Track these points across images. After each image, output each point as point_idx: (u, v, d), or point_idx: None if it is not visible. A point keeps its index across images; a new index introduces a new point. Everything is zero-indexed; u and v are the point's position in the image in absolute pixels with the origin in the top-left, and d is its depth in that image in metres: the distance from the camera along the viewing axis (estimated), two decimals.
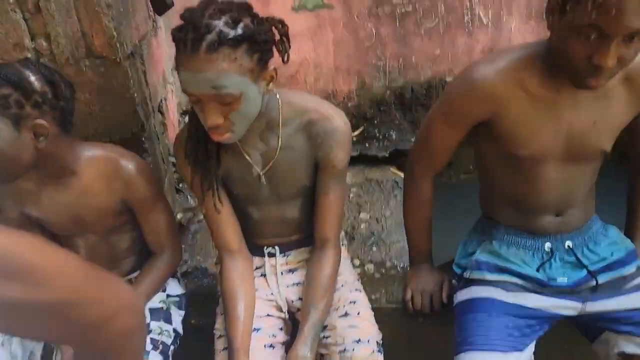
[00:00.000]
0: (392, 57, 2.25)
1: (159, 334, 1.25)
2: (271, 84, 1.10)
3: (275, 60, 1.08)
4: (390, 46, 2.23)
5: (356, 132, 2.27)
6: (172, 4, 1.85)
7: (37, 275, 0.50)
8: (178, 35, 0.97)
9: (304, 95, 1.28)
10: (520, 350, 1.17)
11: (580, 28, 0.92)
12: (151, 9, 1.77)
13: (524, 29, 2.22)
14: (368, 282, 1.56)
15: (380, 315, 1.38)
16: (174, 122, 2.06)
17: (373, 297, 1.48)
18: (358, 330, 1.22)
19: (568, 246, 1.28)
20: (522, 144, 1.17)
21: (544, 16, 1.04)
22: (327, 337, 1.24)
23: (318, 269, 1.28)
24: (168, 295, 1.35)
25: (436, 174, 1.34)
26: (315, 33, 2.20)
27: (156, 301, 1.32)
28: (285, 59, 1.11)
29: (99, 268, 0.58)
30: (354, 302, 1.29)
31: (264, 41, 1.02)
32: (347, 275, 1.37)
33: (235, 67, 0.97)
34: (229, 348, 1.19)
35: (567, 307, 1.24)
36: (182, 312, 1.37)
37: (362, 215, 1.99)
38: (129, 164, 1.22)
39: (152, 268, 1.32)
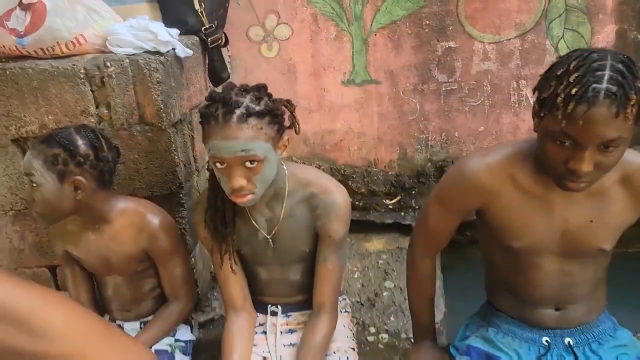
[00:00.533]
0: (435, 131, 2.31)
1: None
2: (284, 152, 1.25)
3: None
4: (433, 121, 2.30)
5: (393, 201, 2.33)
6: (228, 77, 2.10)
7: (43, 328, 0.53)
8: (208, 111, 1.14)
9: (308, 169, 1.40)
10: None
11: (555, 134, 0.95)
12: (209, 81, 2.02)
13: None
14: (377, 351, 1.59)
15: None
16: None
17: None
18: None
19: (568, 343, 1.24)
20: (515, 236, 1.18)
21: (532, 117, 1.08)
22: None
23: (311, 332, 1.34)
24: (176, 340, 1.48)
25: (435, 254, 1.38)
26: (361, 105, 2.34)
27: (164, 343, 1.44)
28: (297, 130, 1.28)
29: (114, 328, 0.65)
30: None
31: (280, 115, 1.20)
32: (341, 342, 1.41)
33: (261, 135, 1.13)
34: None
35: None
36: (187, 358, 1.48)
37: (387, 284, 2.02)
38: (154, 218, 1.40)
39: (164, 313, 1.46)
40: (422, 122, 2.31)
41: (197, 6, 1.92)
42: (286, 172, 1.32)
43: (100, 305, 1.55)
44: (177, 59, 1.68)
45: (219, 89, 1.23)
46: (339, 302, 1.53)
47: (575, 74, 0.92)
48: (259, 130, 1.13)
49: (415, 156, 2.35)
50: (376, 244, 2.21)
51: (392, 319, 1.84)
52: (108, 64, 1.54)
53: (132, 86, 1.56)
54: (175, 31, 1.78)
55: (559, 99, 0.91)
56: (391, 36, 2.26)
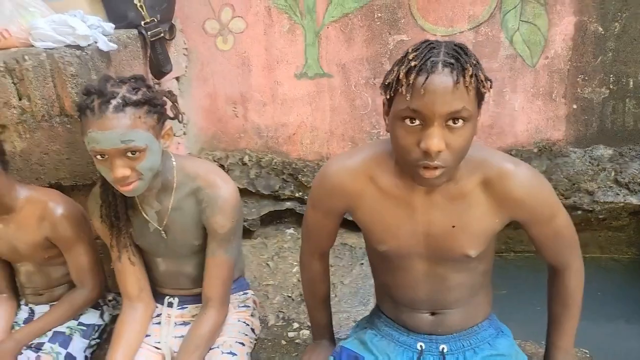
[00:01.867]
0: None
1: (46, 353, 1.41)
2: (167, 141, 1.27)
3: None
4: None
5: None
6: (171, 70, 2.12)
7: None
8: (84, 104, 1.16)
9: (198, 163, 1.41)
10: None
11: (403, 114, 0.92)
12: (151, 74, 2.05)
13: (529, 108, 2.10)
14: (292, 346, 1.58)
15: None
16: None
17: None
18: None
19: (442, 350, 1.20)
20: (379, 239, 1.15)
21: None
22: None
23: (196, 325, 1.36)
24: (79, 323, 1.52)
25: (322, 255, 1.35)
26: (314, 99, 2.32)
27: (64, 326, 1.49)
28: (180, 119, 1.35)
29: None
30: None
31: (160, 105, 1.22)
32: (229, 336, 1.41)
33: (140, 124, 1.15)
34: None
35: None
36: (86, 341, 1.51)
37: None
38: (56, 207, 1.44)
39: (67, 299, 1.50)
40: (374, 116, 2.27)
41: (136, 0, 1.96)
42: (174, 164, 1.33)
43: (16, 290, 1.61)
44: (101, 52, 1.72)
45: (96, 81, 1.24)
46: (239, 297, 1.54)
47: (414, 54, 0.93)
48: (138, 119, 1.15)
49: None
50: None
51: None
52: (26, 57, 1.58)
53: (50, 79, 1.60)
54: (109, 25, 1.82)
55: (401, 74, 0.91)
56: (343, 29, 2.22)
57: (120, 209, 1.35)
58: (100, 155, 1.16)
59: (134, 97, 1.16)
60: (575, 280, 1.20)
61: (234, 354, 1.38)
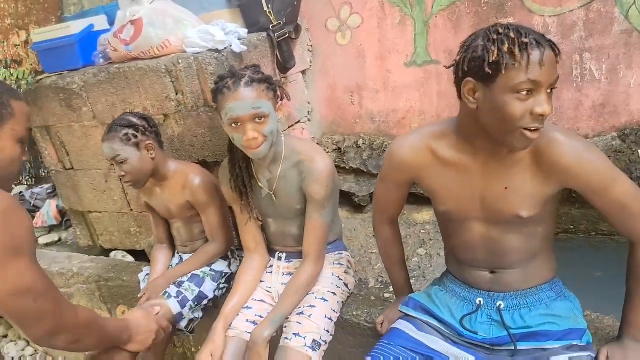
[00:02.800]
0: None
1: (185, 290, 1.84)
2: (281, 114, 1.60)
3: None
4: None
5: None
6: (294, 65, 2.46)
7: None
8: (221, 84, 1.53)
9: (303, 141, 1.70)
10: None
11: (519, 86, 1.04)
12: (277, 70, 2.41)
13: None
14: (381, 303, 1.80)
15: (353, 328, 1.68)
16: None
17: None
18: (301, 326, 1.55)
19: (499, 306, 1.32)
20: (441, 201, 1.33)
21: (461, 100, 1.16)
22: (284, 327, 1.61)
23: (297, 275, 1.66)
24: (211, 269, 1.93)
25: (391, 222, 1.55)
26: (422, 85, 2.46)
27: (199, 270, 1.91)
28: (289, 97, 1.65)
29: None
30: (313, 307, 1.61)
31: (275, 84, 1.58)
32: (323, 286, 1.69)
33: (264, 95, 1.51)
34: (219, 315, 1.69)
35: (465, 357, 1.30)
36: (215, 284, 1.91)
37: (420, 251, 2.17)
38: (195, 177, 1.85)
39: (203, 251, 1.93)
40: None
41: (265, 7, 2.33)
42: (283, 139, 1.65)
43: (173, 241, 2.09)
44: (235, 53, 2.11)
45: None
46: (335, 256, 1.81)
47: (511, 33, 1.04)
48: (262, 92, 1.50)
49: None
50: (424, 215, 2.35)
51: (412, 281, 2.00)
52: (180, 61, 2.04)
53: (196, 77, 2.04)
54: (244, 30, 2.22)
55: (516, 51, 1.02)
56: (451, 17, 2.33)
57: (246, 179, 1.70)
58: (235, 123, 1.49)
59: (257, 76, 1.51)
60: None
61: (325, 300, 1.66)
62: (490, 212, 1.26)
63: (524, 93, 1.04)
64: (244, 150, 1.56)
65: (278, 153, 1.64)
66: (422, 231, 2.27)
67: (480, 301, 1.36)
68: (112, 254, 2.74)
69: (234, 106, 1.47)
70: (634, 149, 1.97)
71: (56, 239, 3.22)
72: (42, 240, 3.18)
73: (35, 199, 3.58)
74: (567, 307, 1.31)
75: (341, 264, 1.80)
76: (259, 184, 1.71)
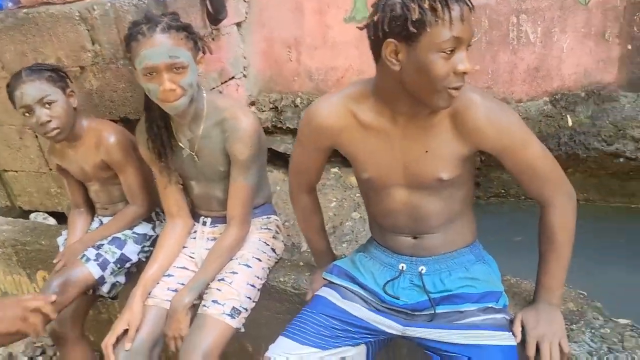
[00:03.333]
0: None
1: (105, 252, 1.73)
2: (201, 67, 1.47)
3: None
4: None
5: None
6: (226, 16, 2.31)
7: None
8: (134, 30, 1.37)
9: (225, 98, 1.60)
10: (322, 348, 1.29)
11: (444, 45, 0.99)
12: (206, 20, 2.25)
13: (579, 50, 1.98)
14: (308, 268, 1.76)
15: (280, 295, 1.64)
16: None
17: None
18: (220, 293, 1.50)
19: (421, 270, 1.32)
20: (363, 168, 1.28)
21: (377, 63, 1.11)
22: (204, 294, 1.56)
23: (220, 239, 1.59)
24: (133, 232, 1.83)
25: (310, 189, 1.49)
26: (361, 42, 2.37)
27: (121, 233, 1.80)
28: (207, 52, 1.49)
29: None
30: (235, 273, 1.56)
31: (195, 34, 1.44)
32: (247, 251, 1.62)
33: (182, 44, 1.38)
34: (138, 282, 1.61)
35: (389, 326, 1.30)
36: (138, 246, 1.81)
37: (354, 214, 2.15)
38: (109, 135, 1.71)
39: (122, 213, 1.81)
40: None
41: None
42: (205, 96, 1.54)
43: (92, 205, 1.96)
44: (158, 1, 1.94)
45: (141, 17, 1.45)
46: (262, 220, 1.75)
47: None
48: (180, 40, 1.37)
49: None
50: None
51: (344, 245, 1.99)
52: (95, 7, 1.86)
53: (114, 26, 1.87)
54: None
55: (438, 7, 0.97)
56: None
57: (165, 138, 1.58)
58: (150, 72, 1.36)
59: (175, 23, 1.38)
60: (559, 217, 1.21)
61: (249, 266, 1.60)
62: (412, 177, 1.23)
63: (448, 51, 0.99)
64: (160, 104, 1.44)
65: (199, 110, 1.53)
66: (357, 194, 2.25)
67: (403, 266, 1.34)
68: (32, 215, 2.57)
69: (148, 53, 1.34)
70: (563, 114, 1.99)
71: None
72: None
73: None
74: (485, 270, 1.32)
75: (269, 229, 1.74)
76: (180, 144, 1.60)
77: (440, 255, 1.31)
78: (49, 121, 1.57)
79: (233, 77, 2.53)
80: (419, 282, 1.31)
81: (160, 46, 1.33)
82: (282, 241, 1.80)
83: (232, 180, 1.56)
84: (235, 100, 1.62)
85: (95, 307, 2.24)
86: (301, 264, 1.80)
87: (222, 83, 2.43)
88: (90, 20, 1.88)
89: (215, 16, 2.25)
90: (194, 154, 1.58)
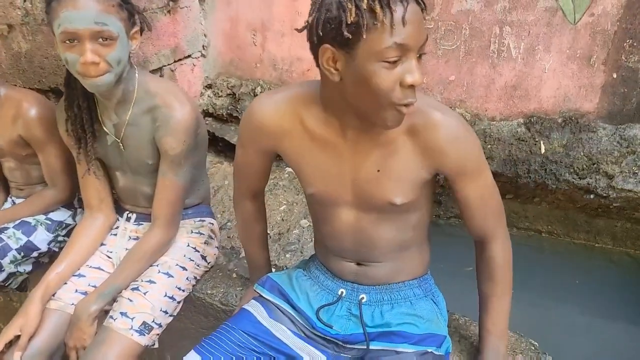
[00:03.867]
0: None
1: (8, 237, 1.52)
2: (135, 43, 1.27)
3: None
4: None
5: None
6: None
7: None
8: None
9: (161, 82, 1.39)
10: None
11: (385, 52, 0.83)
12: None
13: (561, 72, 1.84)
14: (241, 282, 1.58)
15: (206, 309, 1.46)
16: None
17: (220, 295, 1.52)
18: (132, 304, 1.30)
19: (361, 299, 1.16)
20: (308, 182, 1.11)
21: (321, 72, 0.93)
22: (115, 302, 1.36)
23: (141, 241, 1.40)
24: (47, 218, 1.61)
25: (253, 196, 1.31)
26: None
27: (32, 218, 1.59)
28: (150, 28, 1.33)
29: None
30: (152, 282, 1.36)
31: (131, 4, 1.23)
32: (171, 257, 1.43)
33: (114, 11, 1.16)
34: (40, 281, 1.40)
35: (313, 356, 1.14)
36: (51, 235, 1.60)
37: (303, 222, 1.97)
38: (30, 107, 1.48)
39: (38, 195, 1.60)
40: None
41: None
42: (137, 77, 1.32)
43: (6, 185, 1.73)
44: None
45: None
46: (195, 223, 1.55)
47: None
48: (111, 7, 1.15)
49: None
50: None
51: (287, 255, 1.82)
52: None
53: None
54: None
55: (377, 7, 0.80)
56: None
57: (86, 121, 1.37)
58: (71, 39, 1.14)
59: None
60: (502, 252, 1.13)
61: (170, 276, 1.41)
62: (361, 198, 1.07)
63: (391, 60, 0.83)
64: (79, 78, 1.21)
65: (129, 92, 1.31)
66: None
67: (342, 292, 1.19)
68: None
69: (70, 16, 1.11)
70: (537, 139, 1.85)
71: None
72: None
73: None
74: (431, 309, 1.18)
75: (201, 233, 1.54)
76: (104, 128, 1.39)
77: (385, 285, 1.17)
78: None
79: (189, 56, 2.30)
80: (356, 312, 1.16)
81: (85, 9, 1.11)
82: (217, 247, 1.62)
83: (160, 175, 1.36)
84: (172, 85, 1.40)
85: (5, 295, 2.02)
86: (234, 275, 1.62)
87: (175, 61, 2.20)
88: None
89: None
90: (119, 141, 1.38)
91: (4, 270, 1.52)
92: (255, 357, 1.13)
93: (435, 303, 1.21)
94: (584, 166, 1.76)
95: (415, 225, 1.13)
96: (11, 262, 1.53)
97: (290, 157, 1.11)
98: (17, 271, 1.56)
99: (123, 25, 1.19)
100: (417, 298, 1.18)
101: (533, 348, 1.30)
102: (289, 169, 2.32)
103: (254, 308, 1.22)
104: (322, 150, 1.05)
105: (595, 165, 1.75)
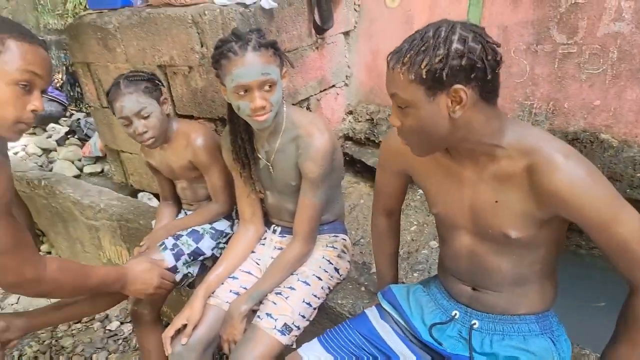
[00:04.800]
0: (542, 99, 2.05)
1: (182, 243, 1.83)
2: (285, 81, 1.50)
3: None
4: (542, 86, 2.04)
5: None
6: (332, 26, 2.30)
7: None
8: (225, 47, 1.42)
9: (305, 114, 1.59)
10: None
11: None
12: (312, 28, 2.26)
13: None
14: (369, 295, 1.71)
15: (336, 317, 1.62)
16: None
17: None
18: (275, 307, 1.51)
19: (473, 324, 1.21)
20: (432, 202, 1.22)
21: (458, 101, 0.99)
22: (262, 304, 1.58)
23: (283, 253, 1.61)
24: (211, 227, 1.91)
25: (390, 214, 1.44)
26: None
27: (199, 227, 1.89)
28: (292, 65, 1.55)
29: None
30: (292, 289, 1.56)
31: (280, 49, 1.47)
32: (309, 268, 1.62)
33: (272, 61, 1.42)
34: (202, 281, 1.68)
35: (409, 357, 1.22)
36: (214, 242, 1.89)
37: (432, 243, 2.03)
38: (197, 137, 1.80)
39: (204, 208, 1.90)
40: (530, 86, 2.08)
41: None
42: (285, 110, 1.55)
43: (179, 200, 2.08)
44: (264, 10, 1.99)
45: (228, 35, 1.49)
46: (329, 238, 1.72)
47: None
48: (270, 57, 1.41)
49: None
50: None
51: (415, 274, 1.90)
52: (206, 12, 1.96)
53: (221, 31, 1.96)
54: None
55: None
56: None
57: (249, 151, 1.63)
58: (243, 90, 1.40)
59: (264, 41, 1.41)
60: None
61: (307, 284, 1.59)
62: (478, 225, 1.13)
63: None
64: (248, 120, 1.47)
65: (278, 124, 1.54)
66: None
67: (456, 314, 1.25)
68: (140, 195, 2.82)
69: (241, 72, 1.37)
70: None
71: (99, 170, 3.36)
72: (87, 169, 3.34)
73: (88, 128, 3.73)
74: (546, 346, 1.16)
75: (334, 247, 1.71)
76: (258, 154, 1.63)
77: (499, 315, 1.20)
78: (146, 132, 1.70)
79: (334, 86, 2.53)
80: (466, 335, 1.22)
81: (253, 65, 1.37)
82: (349, 261, 1.77)
83: (301, 195, 1.57)
84: (314, 117, 1.60)
85: (178, 291, 2.40)
86: (362, 289, 1.75)
87: (321, 91, 2.44)
88: (200, 24, 1.99)
89: (322, 25, 2.26)
90: (270, 165, 1.61)
91: (179, 272, 1.85)
92: (362, 354, 1.27)
93: (553, 342, 1.18)
94: None
95: (534, 261, 1.13)
96: (184, 264, 1.85)
97: (419, 178, 1.24)
98: (189, 272, 1.88)
99: (279, 70, 1.43)
100: (532, 334, 1.17)
101: None
102: (421, 191, 2.40)
103: (372, 313, 1.35)
104: (445, 175, 1.15)
105: None
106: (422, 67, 0.93)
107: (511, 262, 1.14)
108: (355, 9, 2.51)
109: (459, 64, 0.92)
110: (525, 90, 2.11)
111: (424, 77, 0.93)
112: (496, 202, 1.08)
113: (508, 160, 1.03)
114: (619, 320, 1.10)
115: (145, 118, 1.69)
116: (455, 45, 0.92)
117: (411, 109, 0.98)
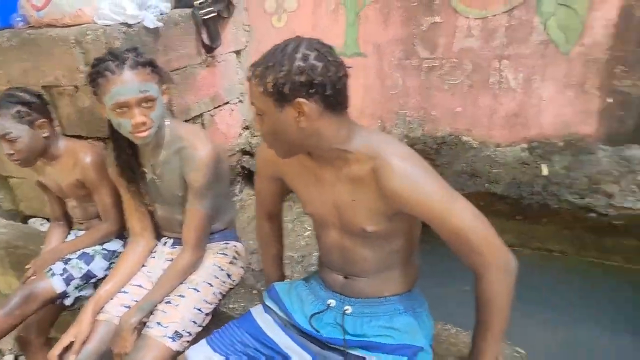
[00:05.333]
0: (414, 108, 2.28)
1: (72, 267, 1.82)
2: (166, 98, 1.56)
3: None
4: (413, 97, 2.27)
5: None
6: (219, 45, 2.40)
7: None
8: (102, 66, 1.46)
9: (187, 127, 1.67)
10: (227, 357, 1.33)
11: None
12: (201, 47, 2.35)
13: (557, 100, 1.95)
14: (259, 297, 1.79)
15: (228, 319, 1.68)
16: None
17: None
18: (165, 315, 1.55)
19: (346, 310, 1.33)
20: (304, 202, 1.34)
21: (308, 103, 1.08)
22: (152, 314, 1.60)
23: (172, 263, 1.66)
24: (103, 248, 1.91)
25: (270, 217, 1.54)
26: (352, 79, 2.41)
27: (90, 249, 1.89)
28: (171, 82, 1.62)
29: None
30: (182, 296, 1.60)
31: (158, 67, 1.53)
32: (199, 276, 1.67)
33: (150, 78, 1.47)
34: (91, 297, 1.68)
35: (299, 354, 1.32)
36: (106, 262, 1.89)
37: None
38: (85, 156, 1.81)
39: (94, 229, 1.91)
40: (403, 97, 2.30)
41: None
42: (167, 124, 1.61)
43: (68, 219, 2.06)
44: (149, 29, 2.05)
45: (106, 53, 1.54)
46: (220, 245, 1.79)
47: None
48: (147, 75, 1.46)
49: (393, 131, 2.36)
50: None
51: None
52: (88, 32, 1.98)
53: (104, 51, 1.97)
54: (166, 5, 2.16)
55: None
56: (382, 10, 2.27)
57: (134, 166, 1.66)
58: (123, 107, 1.44)
59: (141, 59, 1.47)
60: (490, 291, 1.13)
61: (197, 290, 1.64)
62: (343, 221, 1.26)
63: None
64: (129, 137, 1.52)
65: (160, 138, 1.60)
66: None
67: (331, 302, 1.37)
68: (31, 221, 2.71)
69: (120, 90, 1.42)
70: (539, 163, 1.96)
71: None
72: None
73: None
74: (408, 322, 1.31)
75: (225, 254, 1.78)
76: (144, 168, 1.68)
77: (368, 299, 1.33)
78: (12, 154, 1.72)
79: (227, 103, 2.62)
80: (340, 321, 1.32)
81: (131, 82, 1.43)
82: (242, 267, 1.85)
83: (188, 205, 1.63)
84: (195, 129, 1.68)
85: (73, 312, 2.34)
86: (254, 292, 1.84)
87: (215, 107, 2.52)
88: (84, 43, 2.00)
89: (210, 44, 2.35)
90: (155, 177, 1.66)
91: (69, 296, 1.82)
92: (248, 351, 1.34)
93: (415, 317, 1.31)
94: (584, 186, 1.84)
95: (394, 250, 1.27)
96: (75, 288, 1.83)
97: (290, 182, 1.34)
98: (82, 295, 1.86)
99: (158, 86, 1.49)
100: (396, 313, 1.30)
101: (518, 355, 1.39)
102: None
103: (256, 310, 1.44)
104: (311, 177, 1.26)
105: (595, 186, 1.82)
106: (269, 81, 1.04)
107: (373, 251, 1.27)
108: (245, 29, 2.63)
109: (300, 80, 1.02)
110: (399, 101, 2.33)
111: (270, 90, 1.04)
112: (353, 200, 1.20)
113: (357, 164, 1.15)
114: (477, 306, 1.19)
115: (11, 142, 1.69)
116: (297, 63, 1.02)
117: (265, 116, 1.10)
